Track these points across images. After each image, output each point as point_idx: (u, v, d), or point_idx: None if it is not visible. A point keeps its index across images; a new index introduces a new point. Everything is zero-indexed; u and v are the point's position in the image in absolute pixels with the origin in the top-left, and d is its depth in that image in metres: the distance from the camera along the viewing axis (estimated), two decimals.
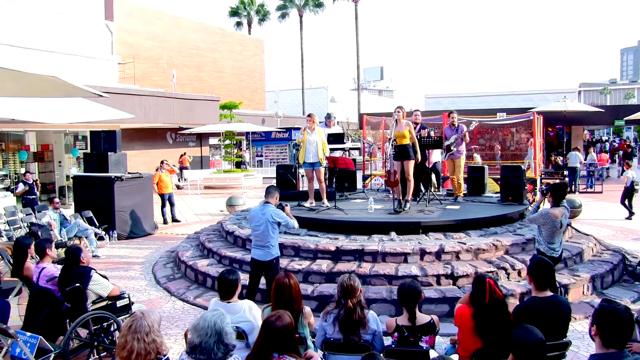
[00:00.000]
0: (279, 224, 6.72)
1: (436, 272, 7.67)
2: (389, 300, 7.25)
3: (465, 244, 8.29)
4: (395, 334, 4.49)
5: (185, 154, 28.77)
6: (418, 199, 11.13)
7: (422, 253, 8.08)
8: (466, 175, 12.30)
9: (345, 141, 12.31)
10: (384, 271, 7.74)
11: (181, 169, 27.73)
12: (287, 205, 7.12)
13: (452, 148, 11.13)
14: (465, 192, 11.98)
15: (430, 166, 11.45)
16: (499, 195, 11.59)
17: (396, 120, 9.62)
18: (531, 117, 17.12)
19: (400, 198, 9.99)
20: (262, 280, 6.96)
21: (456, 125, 11.18)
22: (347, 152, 12.48)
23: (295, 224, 6.93)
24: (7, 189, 17.50)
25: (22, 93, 6.44)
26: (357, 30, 48.74)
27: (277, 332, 3.52)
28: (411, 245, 8.24)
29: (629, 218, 14.85)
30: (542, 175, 17.62)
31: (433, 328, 4.51)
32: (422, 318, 4.52)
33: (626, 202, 15.05)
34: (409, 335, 4.44)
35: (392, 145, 9.72)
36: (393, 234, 8.83)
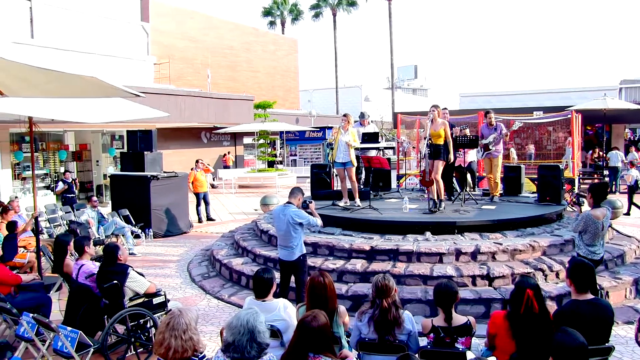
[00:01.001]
0: (301, 224, 6.72)
1: (472, 272, 7.57)
2: (423, 301, 7.20)
3: (501, 244, 8.16)
4: (431, 334, 4.44)
5: (229, 153, 29.19)
6: (453, 198, 11.02)
7: (458, 253, 7.99)
8: (502, 175, 12.12)
9: (379, 140, 12.22)
10: (418, 271, 7.68)
11: (224, 167, 28.30)
12: (311, 202, 7.13)
13: (490, 147, 10.99)
14: (501, 192, 11.80)
15: (465, 165, 11.33)
16: (536, 195, 11.38)
17: (432, 119, 9.56)
18: (569, 116, 16.80)
19: (435, 198, 9.89)
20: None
21: (494, 125, 11.04)
22: (381, 152, 12.38)
23: (319, 221, 6.92)
24: (47, 187, 17.90)
25: (63, 94, 6.56)
26: (390, 29, 48.44)
27: (313, 332, 3.51)
28: (446, 245, 8.17)
29: (627, 214, 15.08)
30: (581, 175, 17.27)
31: (470, 329, 4.44)
32: (459, 319, 4.46)
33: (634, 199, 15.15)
34: (444, 336, 4.38)
35: (427, 144, 9.64)
36: (428, 233, 8.75)
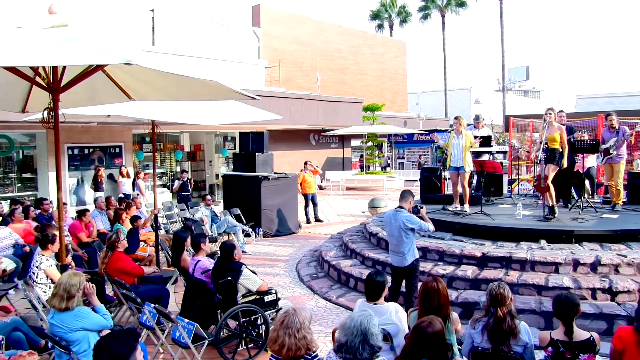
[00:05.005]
0: (412, 229, 6.66)
1: (591, 285, 7.16)
2: (537, 312, 6.91)
3: (625, 256, 7.63)
4: (550, 348, 4.24)
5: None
6: (570, 206, 10.50)
7: (575, 264, 7.59)
8: (626, 182, 11.37)
9: (492, 144, 11.88)
10: (532, 281, 7.38)
11: (361, 167, 29.28)
12: (422, 207, 7.07)
13: (611, 151, 10.38)
14: (624, 199, 11.07)
15: (583, 171, 10.78)
16: None
17: (548, 122, 9.19)
18: None
19: (551, 204, 9.47)
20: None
21: (616, 128, 10.43)
22: (493, 156, 12.03)
23: (431, 226, 6.85)
24: (164, 185, 18.91)
25: (184, 97, 6.89)
26: (502, 29, 47.06)
27: (428, 337, 3.48)
28: (563, 254, 7.78)
29: None
30: None
31: (593, 346, 4.17)
32: (581, 334, 4.23)
33: None
34: (565, 351, 4.17)
35: (542, 149, 9.28)
36: (543, 242, 8.37)
